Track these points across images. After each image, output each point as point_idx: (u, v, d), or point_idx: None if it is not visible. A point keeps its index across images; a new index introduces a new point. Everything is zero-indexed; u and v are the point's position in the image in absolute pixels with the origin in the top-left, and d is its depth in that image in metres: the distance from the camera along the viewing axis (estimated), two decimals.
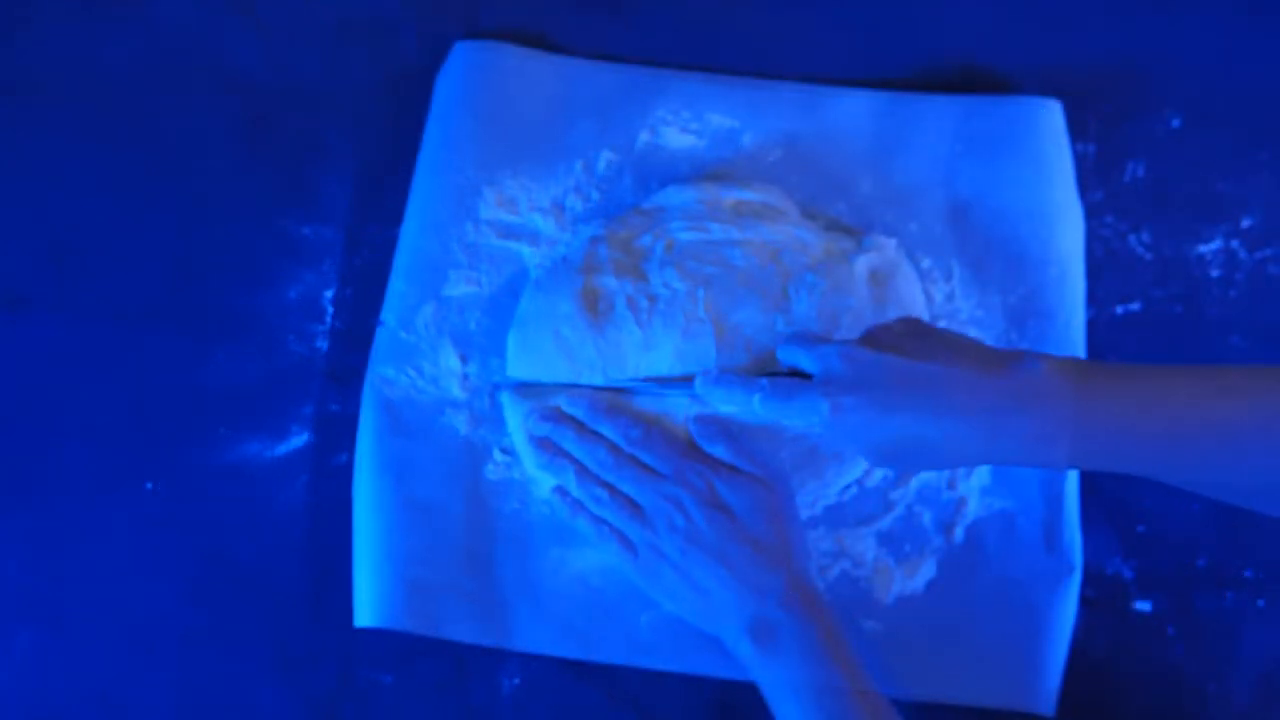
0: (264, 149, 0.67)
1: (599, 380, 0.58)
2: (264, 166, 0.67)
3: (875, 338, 0.52)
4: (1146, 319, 0.64)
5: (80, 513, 0.61)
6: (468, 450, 0.60)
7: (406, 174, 0.65)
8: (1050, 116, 0.66)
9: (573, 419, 0.58)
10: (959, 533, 0.60)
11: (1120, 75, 0.68)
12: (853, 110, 0.66)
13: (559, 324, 0.59)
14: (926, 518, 0.60)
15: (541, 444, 0.58)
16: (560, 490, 0.58)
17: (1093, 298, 0.64)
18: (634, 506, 0.56)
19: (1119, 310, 0.65)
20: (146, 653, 0.59)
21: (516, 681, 0.59)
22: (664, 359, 0.58)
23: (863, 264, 0.60)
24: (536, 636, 0.58)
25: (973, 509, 0.60)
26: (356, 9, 0.69)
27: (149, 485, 0.61)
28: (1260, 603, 0.60)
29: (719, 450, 0.56)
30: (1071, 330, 0.62)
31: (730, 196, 0.62)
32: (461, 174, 0.64)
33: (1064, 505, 0.60)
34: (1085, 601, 0.59)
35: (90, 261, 0.65)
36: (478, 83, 0.66)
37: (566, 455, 0.57)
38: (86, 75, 0.68)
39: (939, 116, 0.66)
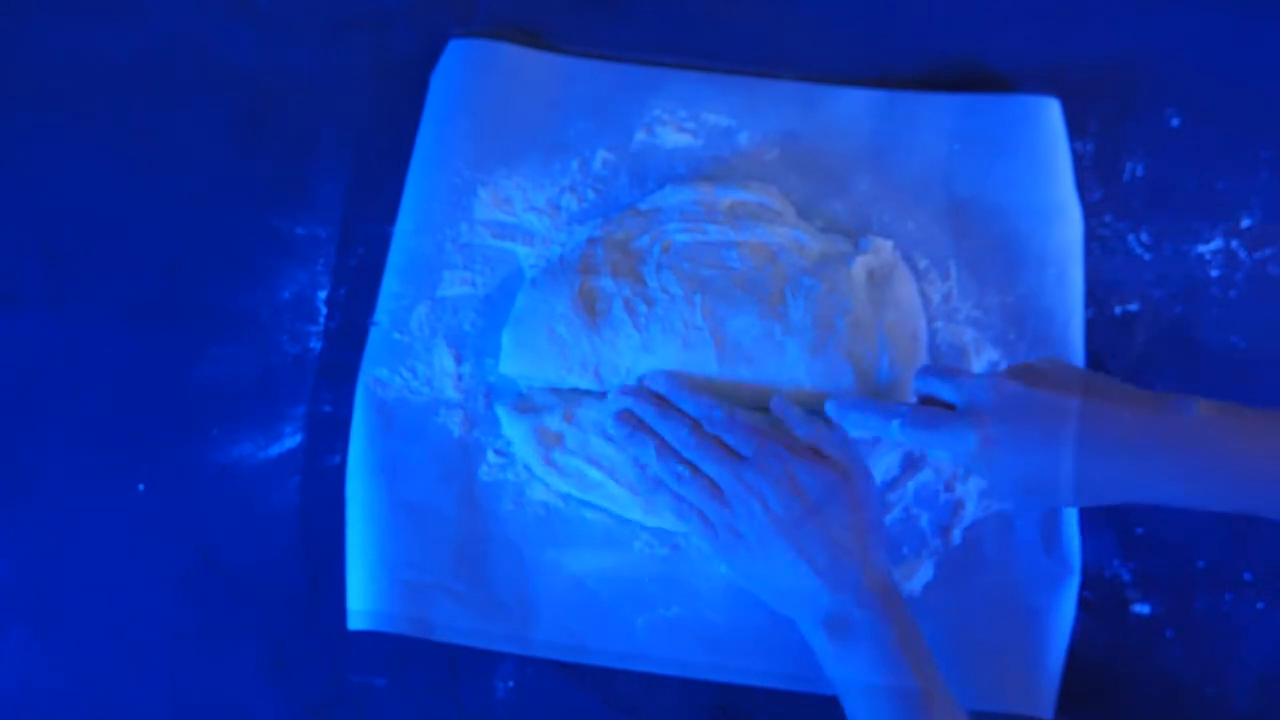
0: (258, 146, 0.67)
1: (590, 382, 0.58)
2: (258, 164, 0.67)
3: (1020, 373, 0.52)
4: (1146, 319, 0.64)
5: (71, 513, 0.61)
6: (461, 451, 0.60)
7: (401, 172, 0.65)
8: (1049, 115, 0.65)
9: (655, 395, 0.58)
10: (957, 535, 0.59)
11: (1120, 74, 0.68)
12: (850, 109, 0.66)
13: (555, 322, 0.58)
14: (924, 520, 0.60)
15: (623, 417, 0.57)
16: (638, 464, 0.58)
17: (1092, 298, 0.64)
18: (714, 487, 0.55)
19: (1118, 310, 0.64)
20: (138, 654, 0.59)
21: (511, 685, 0.58)
22: (666, 367, 0.58)
23: (860, 266, 0.60)
24: (531, 639, 0.57)
25: (971, 511, 0.60)
26: (352, 6, 0.69)
27: (140, 486, 0.61)
28: (1259, 605, 0.60)
29: (803, 430, 0.56)
30: (1070, 330, 0.62)
31: (727, 197, 0.62)
32: (456, 173, 0.64)
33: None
34: (1084, 604, 0.59)
35: (82, 259, 0.65)
36: (473, 81, 0.66)
37: (648, 429, 0.57)
38: (79, 70, 0.68)
39: (937, 115, 0.66)
